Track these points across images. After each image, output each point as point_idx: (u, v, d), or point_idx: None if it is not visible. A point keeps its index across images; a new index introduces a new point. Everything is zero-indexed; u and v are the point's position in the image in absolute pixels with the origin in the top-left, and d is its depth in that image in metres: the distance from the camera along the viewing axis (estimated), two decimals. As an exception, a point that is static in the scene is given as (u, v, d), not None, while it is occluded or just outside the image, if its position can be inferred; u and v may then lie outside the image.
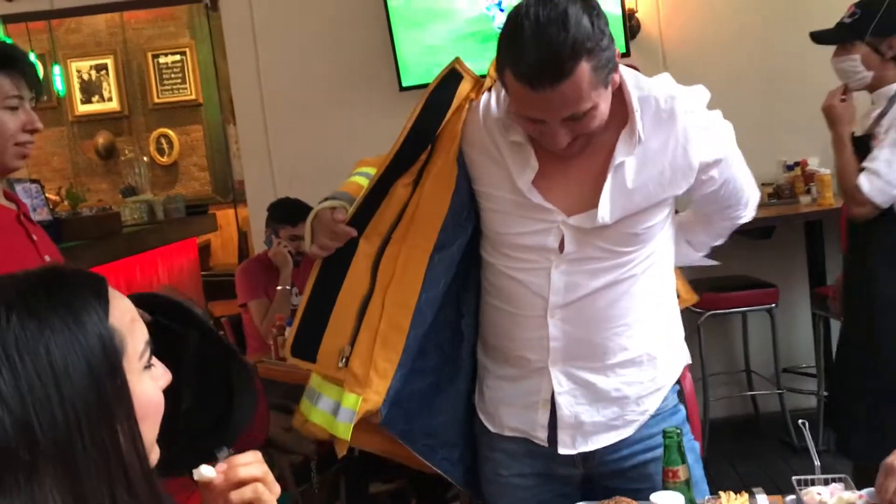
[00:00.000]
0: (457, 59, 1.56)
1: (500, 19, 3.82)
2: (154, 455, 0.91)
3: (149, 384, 0.90)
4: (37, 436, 0.79)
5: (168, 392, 1.52)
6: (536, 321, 1.51)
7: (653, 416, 1.56)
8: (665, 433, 1.26)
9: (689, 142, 1.45)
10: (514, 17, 1.32)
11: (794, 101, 4.08)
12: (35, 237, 1.71)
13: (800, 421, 1.46)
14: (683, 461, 1.30)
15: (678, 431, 1.25)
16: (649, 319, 1.53)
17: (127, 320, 0.89)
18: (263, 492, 1.01)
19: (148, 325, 1.51)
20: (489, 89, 1.55)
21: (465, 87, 1.55)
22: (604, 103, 1.37)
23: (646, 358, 1.53)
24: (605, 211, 1.43)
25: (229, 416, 1.54)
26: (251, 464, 1.01)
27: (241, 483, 1.00)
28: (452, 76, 1.55)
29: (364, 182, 1.64)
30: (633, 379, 1.53)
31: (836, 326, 3.64)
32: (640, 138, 1.44)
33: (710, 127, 1.49)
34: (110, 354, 0.85)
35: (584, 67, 1.29)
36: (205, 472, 1.00)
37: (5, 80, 1.59)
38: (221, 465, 1.02)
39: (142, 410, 0.87)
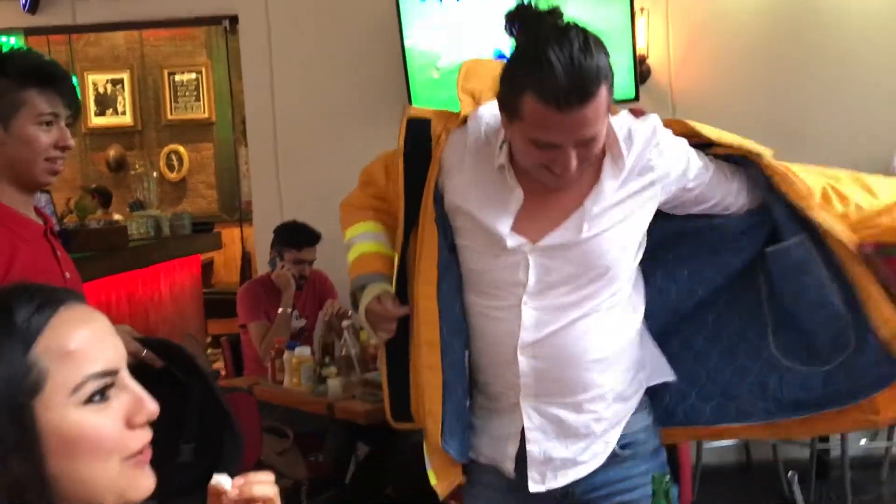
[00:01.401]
0: (408, 108, 1.69)
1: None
2: (133, 489, 0.88)
3: (86, 419, 0.84)
4: None
5: (167, 441, 1.53)
6: (508, 357, 1.55)
7: (631, 457, 1.60)
8: (654, 479, 1.28)
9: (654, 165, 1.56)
10: (534, 47, 1.38)
11: (799, 153, 4.06)
12: (59, 253, 1.74)
13: (789, 473, 1.48)
14: (670, 505, 1.32)
15: (666, 479, 1.26)
16: (616, 356, 1.56)
17: (61, 350, 0.84)
18: None
19: (158, 371, 1.55)
20: (464, 121, 1.61)
21: (436, 126, 1.63)
22: (605, 130, 1.45)
23: (612, 395, 1.57)
24: (574, 224, 1.51)
25: (220, 465, 1.55)
26: (266, 483, 1.00)
27: (253, 500, 0.98)
28: (416, 125, 1.64)
29: (376, 248, 1.74)
30: (602, 415, 1.57)
31: (831, 379, 3.65)
32: (623, 164, 1.52)
33: (665, 149, 1.59)
34: (14, 390, 0.82)
35: (604, 91, 1.38)
36: (222, 482, 0.98)
37: (40, 98, 1.62)
38: (239, 480, 0.99)
39: (66, 447, 0.83)
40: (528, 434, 1.56)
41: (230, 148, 7.94)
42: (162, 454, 1.39)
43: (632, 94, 3.81)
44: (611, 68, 1.40)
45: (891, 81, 4.08)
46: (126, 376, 0.89)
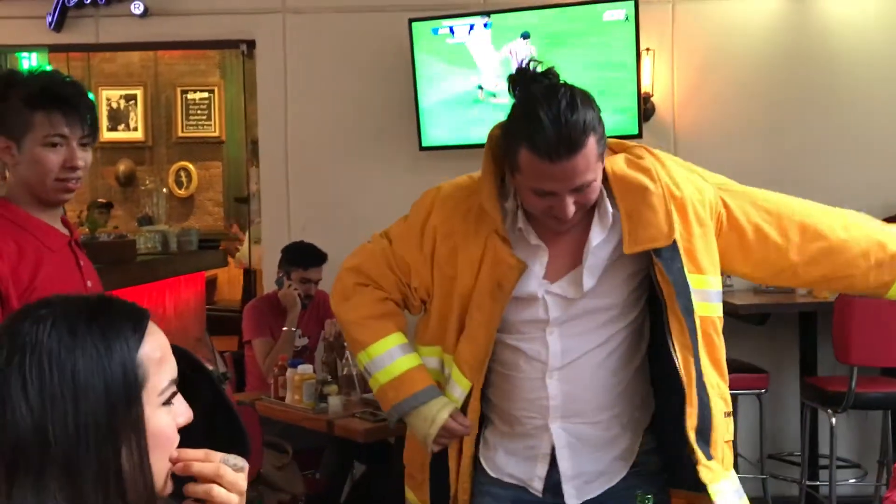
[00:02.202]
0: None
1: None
2: (168, 487, 0.99)
3: (164, 419, 0.97)
4: (49, 441, 0.89)
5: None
6: (536, 383, 1.68)
7: (642, 473, 1.72)
8: (637, 496, 1.35)
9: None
10: (525, 104, 1.56)
11: (801, 195, 4.18)
12: (82, 263, 1.81)
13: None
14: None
15: (648, 497, 1.34)
16: (633, 382, 1.72)
17: (156, 357, 0.97)
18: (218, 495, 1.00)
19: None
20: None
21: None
22: (599, 176, 1.58)
23: (627, 414, 1.72)
24: (587, 278, 1.64)
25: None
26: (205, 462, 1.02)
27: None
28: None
29: (416, 361, 1.76)
30: (622, 431, 1.72)
31: (822, 417, 3.72)
32: (610, 218, 1.64)
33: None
34: (130, 384, 0.93)
35: (591, 141, 1.52)
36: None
37: (45, 121, 1.67)
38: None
39: (153, 441, 0.95)
40: (558, 452, 1.68)
41: (239, 167, 8.05)
42: None
43: (635, 131, 3.90)
44: (599, 121, 1.55)
45: (896, 125, 4.17)
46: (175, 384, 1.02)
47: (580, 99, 1.53)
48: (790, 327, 4.06)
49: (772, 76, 4.22)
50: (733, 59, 4.23)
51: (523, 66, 1.62)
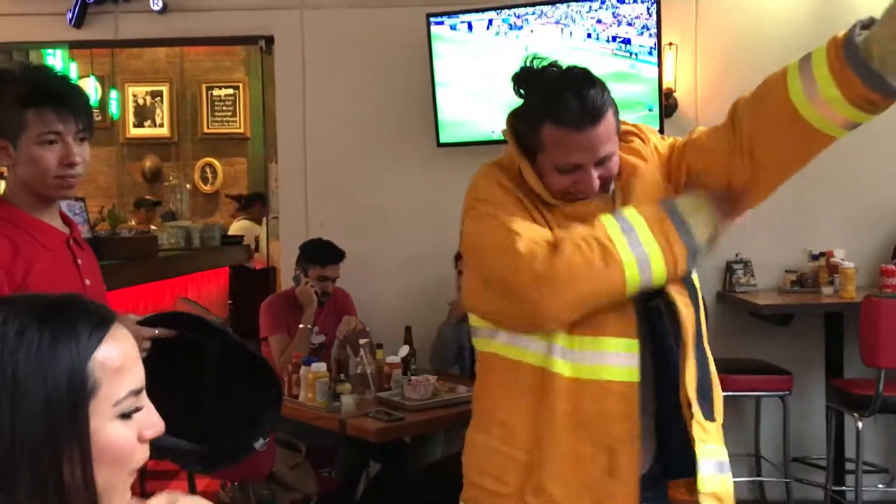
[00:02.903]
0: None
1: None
2: (118, 497, 0.93)
3: (118, 431, 0.91)
4: None
5: (192, 392, 1.67)
6: None
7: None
8: None
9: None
10: (544, 88, 1.59)
11: (825, 193, 4.12)
12: (80, 261, 1.78)
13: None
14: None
15: None
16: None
17: (114, 365, 0.91)
18: None
19: (173, 339, 1.66)
20: None
21: None
22: (616, 150, 1.61)
23: None
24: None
25: (260, 410, 1.73)
26: None
27: None
28: None
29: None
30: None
31: (849, 420, 3.63)
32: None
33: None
34: (74, 392, 0.87)
35: (611, 112, 1.57)
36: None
37: (38, 119, 1.65)
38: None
39: (102, 454, 0.89)
40: None
41: (263, 163, 8.09)
42: (189, 416, 1.52)
43: (657, 126, 3.83)
44: (613, 100, 1.59)
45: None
46: (144, 394, 0.96)
47: (593, 76, 1.59)
48: (815, 328, 3.97)
49: (797, 71, 4.11)
50: (758, 52, 4.13)
51: (526, 64, 1.64)
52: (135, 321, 1.64)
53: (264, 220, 6.89)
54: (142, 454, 0.94)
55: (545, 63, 1.63)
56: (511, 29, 3.89)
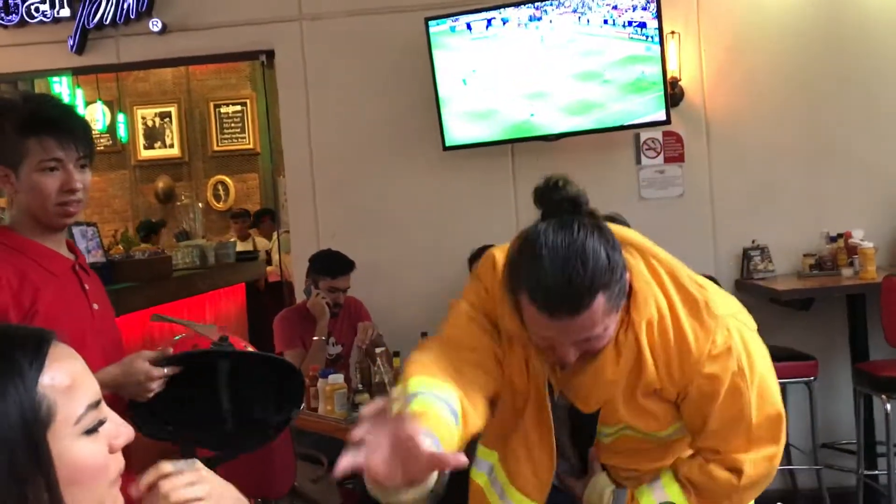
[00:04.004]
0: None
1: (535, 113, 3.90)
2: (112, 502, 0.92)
3: (86, 448, 0.89)
4: None
5: (208, 401, 1.76)
6: None
7: None
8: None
9: None
10: (532, 242, 1.38)
11: (839, 173, 4.06)
12: (87, 286, 1.78)
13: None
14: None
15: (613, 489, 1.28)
16: None
17: (64, 385, 0.88)
18: None
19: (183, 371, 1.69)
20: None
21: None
22: (613, 325, 1.43)
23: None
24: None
25: (287, 388, 1.81)
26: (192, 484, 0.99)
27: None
28: None
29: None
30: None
31: (878, 403, 3.56)
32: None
33: None
34: (30, 426, 0.84)
35: (600, 300, 1.35)
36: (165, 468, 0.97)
37: (38, 147, 1.66)
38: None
39: (71, 476, 0.87)
40: None
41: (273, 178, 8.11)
42: (209, 425, 1.68)
43: (663, 117, 3.79)
44: (611, 270, 1.37)
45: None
46: (104, 404, 0.93)
47: (597, 243, 1.37)
48: (837, 311, 3.91)
49: (805, 53, 4.07)
50: (764, 38, 4.08)
51: (550, 182, 1.47)
52: (148, 358, 1.66)
53: (275, 234, 6.89)
54: (116, 465, 0.92)
55: (569, 190, 1.45)
56: (530, 21, 3.86)
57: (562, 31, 3.83)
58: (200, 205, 8.22)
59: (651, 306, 1.47)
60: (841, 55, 4.05)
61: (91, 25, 4.17)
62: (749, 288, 3.96)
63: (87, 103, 6.93)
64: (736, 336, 1.51)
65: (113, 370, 1.65)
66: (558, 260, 1.34)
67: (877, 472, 3.70)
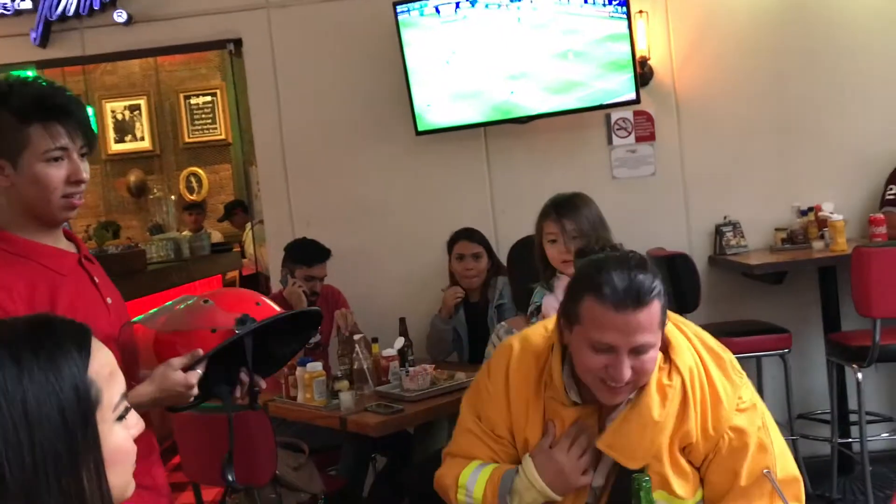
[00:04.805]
0: None
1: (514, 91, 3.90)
2: (130, 490, 0.97)
3: (120, 434, 0.95)
4: (5, 476, 0.84)
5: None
6: None
7: None
8: (634, 479, 1.30)
9: None
10: (596, 264, 1.59)
11: (809, 148, 4.10)
12: (97, 279, 1.65)
13: (764, 471, 1.49)
14: (651, 505, 1.34)
15: (645, 479, 1.29)
16: None
17: (106, 373, 0.93)
18: None
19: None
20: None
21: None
22: (658, 344, 1.56)
23: None
24: None
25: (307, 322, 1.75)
26: None
27: None
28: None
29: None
30: None
31: (850, 373, 3.62)
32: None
33: None
34: (84, 406, 0.89)
35: (657, 304, 1.53)
36: None
37: (44, 134, 1.52)
38: None
39: (111, 458, 0.92)
40: None
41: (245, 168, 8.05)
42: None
43: (633, 96, 3.81)
44: (662, 289, 1.55)
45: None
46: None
47: (649, 265, 1.57)
48: (809, 284, 3.97)
49: (773, 30, 4.10)
50: (732, 16, 4.11)
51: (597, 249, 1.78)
52: (180, 366, 1.52)
53: (248, 225, 6.85)
54: (135, 452, 0.97)
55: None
56: (512, 1, 3.85)
57: (542, 11, 3.82)
58: (173, 197, 8.14)
59: (689, 355, 1.62)
60: (808, 32, 4.09)
61: (54, 17, 4.11)
62: (722, 263, 4.01)
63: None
64: (757, 396, 1.66)
65: (147, 389, 1.51)
66: (622, 266, 1.53)
67: (850, 440, 3.77)
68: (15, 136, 1.51)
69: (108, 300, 1.64)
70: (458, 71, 3.96)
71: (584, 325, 1.54)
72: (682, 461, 1.59)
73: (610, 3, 3.76)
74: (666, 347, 1.61)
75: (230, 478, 1.82)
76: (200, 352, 1.52)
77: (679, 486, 1.58)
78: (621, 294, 1.49)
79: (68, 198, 1.55)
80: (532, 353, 1.73)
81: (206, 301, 1.59)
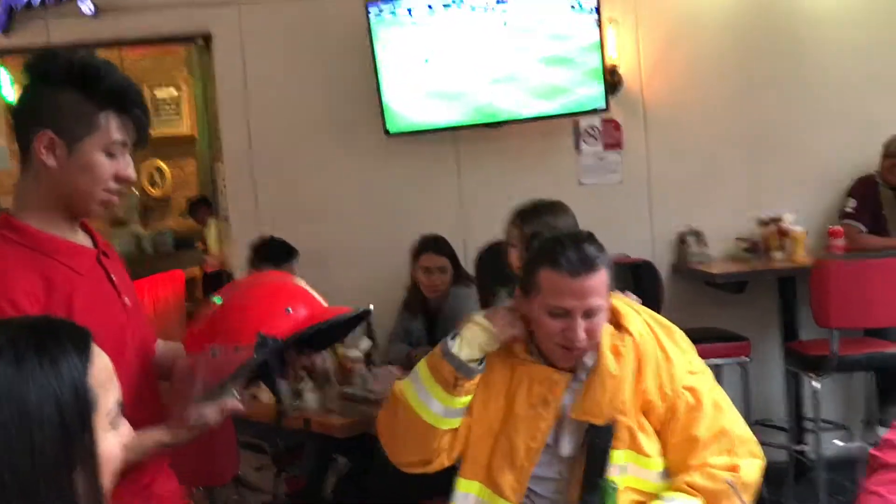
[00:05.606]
0: None
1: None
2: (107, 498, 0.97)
3: (113, 440, 0.95)
4: (3, 475, 0.84)
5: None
6: None
7: None
8: (601, 482, 1.31)
9: None
10: (552, 240, 1.79)
11: (772, 159, 4.18)
12: (115, 277, 1.55)
13: (727, 481, 1.53)
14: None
15: (614, 486, 1.31)
16: None
17: (103, 378, 0.94)
18: None
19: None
20: None
21: None
22: (606, 311, 1.75)
23: None
24: None
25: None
26: None
27: None
28: None
29: None
30: None
31: (807, 381, 3.70)
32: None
33: None
34: (83, 410, 0.90)
35: (605, 271, 1.73)
36: None
37: (116, 124, 1.44)
38: None
39: (104, 464, 0.92)
40: None
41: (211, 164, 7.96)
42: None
43: (601, 104, 3.85)
44: (609, 260, 1.75)
45: (867, 85, 4.13)
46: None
47: (596, 239, 1.76)
48: (770, 293, 4.04)
49: (741, 42, 4.17)
50: (701, 27, 4.17)
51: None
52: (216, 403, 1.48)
53: (212, 222, 6.78)
54: (120, 460, 0.98)
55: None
56: (498, 3, 3.85)
57: (523, 15, 3.83)
58: (136, 191, 8.02)
59: (639, 324, 1.80)
60: (776, 45, 4.16)
61: (19, 6, 4.02)
62: (685, 272, 4.06)
63: (15, 84, 6.69)
64: (707, 367, 1.84)
65: (164, 437, 1.48)
66: (575, 240, 1.73)
67: (805, 447, 3.85)
68: (84, 119, 1.42)
69: (126, 300, 1.55)
70: (438, 71, 3.95)
71: (543, 294, 1.71)
72: (645, 422, 1.73)
73: (596, 10, 3.78)
74: (618, 319, 1.80)
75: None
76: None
77: (646, 442, 1.71)
78: (575, 263, 1.68)
79: (111, 193, 1.48)
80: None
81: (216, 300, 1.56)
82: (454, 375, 1.73)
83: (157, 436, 1.48)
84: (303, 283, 1.64)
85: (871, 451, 1.49)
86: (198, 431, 1.49)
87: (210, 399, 1.48)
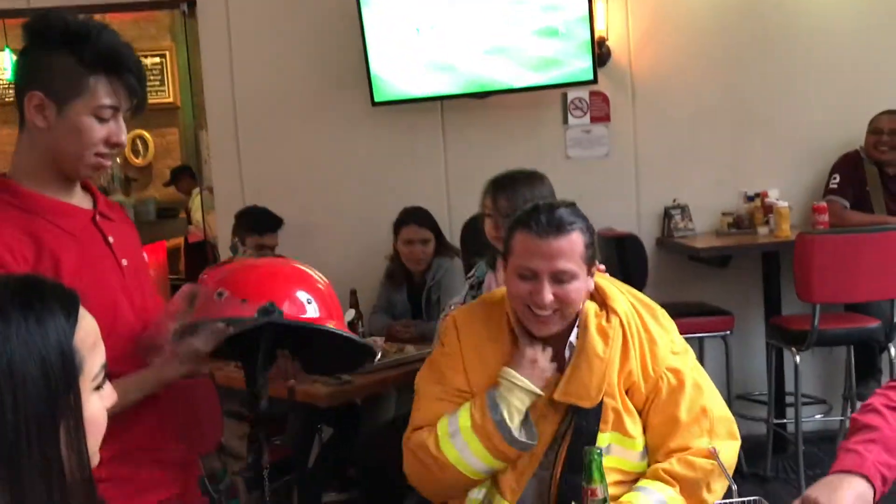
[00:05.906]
0: None
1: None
2: (94, 461, 0.96)
3: (96, 403, 0.95)
4: None
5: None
6: None
7: None
8: (586, 451, 1.32)
9: None
10: (530, 207, 1.77)
11: (759, 135, 4.18)
12: (111, 238, 1.54)
13: (711, 448, 1.54)
14: (602, 480, 1.36)
15: (599, 451, 1.31)
16: None
17: (90, 342, 0.94)
18: None
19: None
20: None
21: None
22: (582, 284, 1.71)
23: None
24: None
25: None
26: None
27: None
28: None
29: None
30: None
31: (788, 356, 3.73)
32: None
33: None
34: (69, 371, 0.90)
35: (578, 236, 1.71)
36: None
37: (106, 88, 1.43)
38: None
39: (88, 426, 0.93)
40: None
41: (194, 132, 7.88)
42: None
43: (590, 77, 3.83)
44: (589, 228, 1.74)
45: (853, 62, 4.13)
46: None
47: (578, 209, 1.76)
48: (753, 268, 4.06)
49: (730, 17, 4.15)
50: (690, 2, 4.14)
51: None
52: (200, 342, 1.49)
53: (195, 191, 6.72)
54: (105, 424, 0.98)
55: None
56: None
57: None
58: (119, 160, 7.94)
59: (624, 303, 1.77)
60: (764, 23, 4.15)
61: (-2, -33, 3.94)
62: (670, 246, 4.07)
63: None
64: (686, 342, 1.83)
65: (156, 374, 1.51)
66: (551, 206, 1.73)
67: (785, 420, 3.90)
68: (73, 81, 1.42)
69: (124, 262, 1.54)
70: (430, 42, 3.90)
71: (514, 255, 1.73)
72: (629, 403, 1.72)
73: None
74: (603, 298, 1.77)
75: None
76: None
77: (630, 424, 1.70)
78: (544, 224, 1.68)
79: (101, 157, 1.47)
80: (480, 304, 1.89)
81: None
82: (515, 453, 1.67)
83: (149, 374, 1.50)
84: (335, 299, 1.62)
85: (853, 415, 1.52)
86: (190, 365, 1.51)
87: (188, 333, 1.48)
